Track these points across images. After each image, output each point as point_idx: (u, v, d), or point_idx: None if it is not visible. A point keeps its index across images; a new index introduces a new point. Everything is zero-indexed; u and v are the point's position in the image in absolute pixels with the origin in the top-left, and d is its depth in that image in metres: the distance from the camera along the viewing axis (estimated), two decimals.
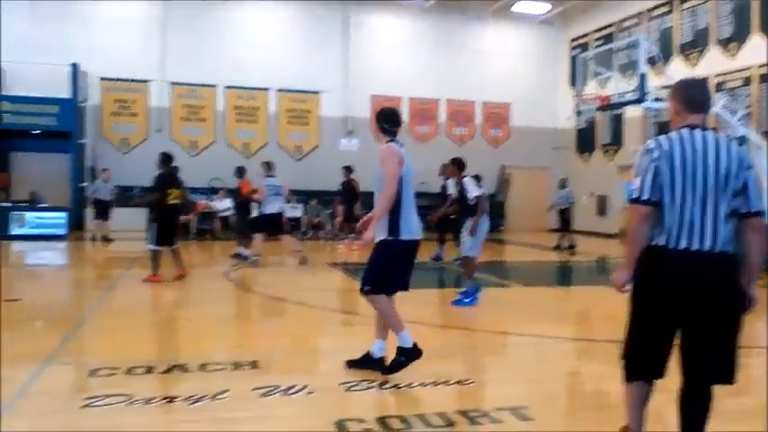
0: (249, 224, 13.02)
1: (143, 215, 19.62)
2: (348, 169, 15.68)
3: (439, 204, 12.87)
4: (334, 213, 19.50)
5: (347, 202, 15.57)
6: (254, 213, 13.16)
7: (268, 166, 12.15)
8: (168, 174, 9.78)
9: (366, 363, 4.92)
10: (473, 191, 8.26)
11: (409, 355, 4.79)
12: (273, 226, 12.02)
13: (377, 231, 4.77)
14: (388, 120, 4.99)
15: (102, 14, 20.70)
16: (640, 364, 3.28)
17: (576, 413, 4.42)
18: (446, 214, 10.77)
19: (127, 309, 7.91)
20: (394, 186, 4.70)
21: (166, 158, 9.84)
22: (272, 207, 11.90)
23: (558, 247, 16.40)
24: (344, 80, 22.64)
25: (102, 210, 16.79)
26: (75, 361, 5.39)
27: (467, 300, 8.05)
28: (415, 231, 4.89)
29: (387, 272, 4.82)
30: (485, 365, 5.67)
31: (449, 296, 8.61)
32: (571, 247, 16.37)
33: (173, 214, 9.95)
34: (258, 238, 12.00)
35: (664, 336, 3.18)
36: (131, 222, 19.13)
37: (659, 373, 3.24)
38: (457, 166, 8.75)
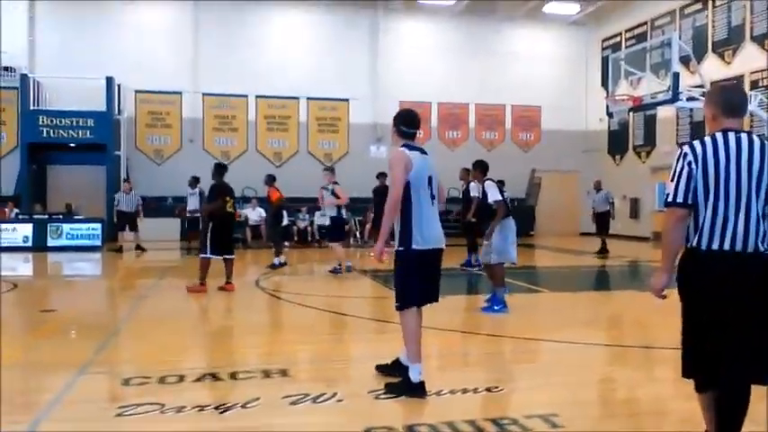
0: (281, 233, 13.09)
1: (174, 225, 20.05)
2: (383, 175, 15.61)
3: (463, 209, 12.80)
4: (364, 220, 19.57)
5: (379, 208, 15.59)
6: (284, 222, 13.22)
7: (333, 171, 12.08)
8: (225, 183, 9.75)
9: (395, 369, 4.86)
10: (493, 195, 8.17)
11: (411, 390, 4.49)
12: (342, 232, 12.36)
13: (397, 241, 4.65)
14: (405, 122, 4.73)
15: (135, 28, 21.14)
16: (694, 367, 3.24)
17: (606, 420, 4.34)
18: (469, 218, 10.63)
19: (159, 318, 8.02)
20: (397, 192, 4.49)
21: (221, 169, 9.82)
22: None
23: (600, 252, 15.92)
24: (373, 87, 22.72)
25: (126, 221, 16.85)
26: (108, 370, 5.47)
27: (497, 307, 7.98)
28: (431, 240, 4.61)
29: (407, 284, 4.60)
30: (514, 372, 5.61)
31: (477, 302, 8.55)
32: (603, 251, 15.95)
33: (230, 223, 9.91)
34: (338, 246, 12.02)
35: (711, 337, 3.15)
36: (163, 232, 19.50)
37: (714, 374, 3.17)
38: (480, 169, 8.70)
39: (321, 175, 12.34)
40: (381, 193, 15.35)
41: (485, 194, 8.33)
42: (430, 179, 4.63)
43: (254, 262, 14.73)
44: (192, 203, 16.75)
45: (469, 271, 12.39)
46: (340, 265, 11.76)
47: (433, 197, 4.66)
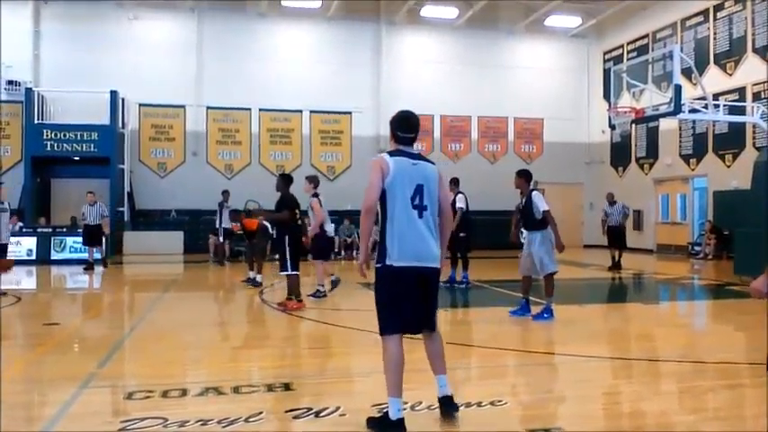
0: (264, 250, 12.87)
1: (177, 238, 20.09)
2: None
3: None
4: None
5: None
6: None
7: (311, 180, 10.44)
8: (292, 195, 9.37)
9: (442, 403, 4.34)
10: (542, 205, 8.20)
11: (387, 427, 3.99)
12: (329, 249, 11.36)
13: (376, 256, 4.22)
14: (400, 125, 4.32)
15: (139, 42, 21.29)
16: None
17: None
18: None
19: (162, 331, 8.01)
20: (367, 199, 4.08)
21: (288, 180, 9.49)
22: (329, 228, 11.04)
23: (614, 267, 15.49)
24: (376, 99, 22.81)
25: (91, 235, 15.32)
26: (112, 384, 5.47)
27: (546, 315, 8.14)
28: (410, 256, 4.07)
29: (385, 306, 4.12)
30: (518, 386, 5.59)
31: (476, 315, 8.51)
32: (616, 265, 15.55)
33: (300, 236, 9.48)
34: (320, 264, 10.58)
35: None
36: (166, 245, 19.54)
37: None
38: (525, 178, 8.52)
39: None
40: None
41: (530, 205, 8.29)
42: (420, 188, 4.15)
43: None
44: (227, 217, 16.65)
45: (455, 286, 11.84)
46: (322, 286, 10.31)
47: (421, 208, 4.13)
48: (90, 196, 15.54)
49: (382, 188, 4.09)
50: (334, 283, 11.00)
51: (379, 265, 4.14)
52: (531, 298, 8.51)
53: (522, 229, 8.84)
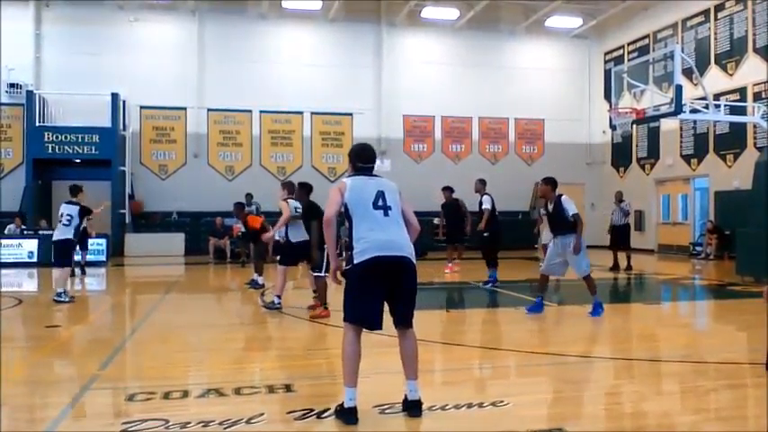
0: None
1: (178, 240, 20.12)
2: (449, 189, 15.45)
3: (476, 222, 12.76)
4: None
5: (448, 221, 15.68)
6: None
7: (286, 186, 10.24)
8: (315, 203, 9.19)
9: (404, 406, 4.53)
10: (571, 209, 8.49)
11: (339, 415, 4.32)
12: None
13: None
14: (358, 157, 4.70)
15: (140, 45, 21.33)
16: None
17: None
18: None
19: (164, 333, 8.02)
20: (325, 213, 4.46)
21: (309, 189, 9.50)
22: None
23: (616, 267, 15.35)
24: (377, 101, 22.83)
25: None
26: (113, 385, 5.47)
27: (600, 309, 8.56)
28: (375, 249, 4.32)
29: (348, 299, 4.41)
30: (519, 386, 5.59)
31: (476, 316, 8.51)
32: (627, 267, 15.43)
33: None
34: (281, 271, 9.69)
35: None
36: (167, 247, 19.56)
37: None
38: (551, 185, 8.83)
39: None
40: (448, 206, 15.29)
41: (560, 208, 8.57)
42: (381, 193, 4.46)
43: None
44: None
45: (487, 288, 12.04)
46: (279, 297, 9.34)
47: (385, 208, 4.45)
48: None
49: (343, 203, 4.45)
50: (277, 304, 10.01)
51: (348, 267, 4.44)
52: (544, 297, 8.83)
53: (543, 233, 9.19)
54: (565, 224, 8.53)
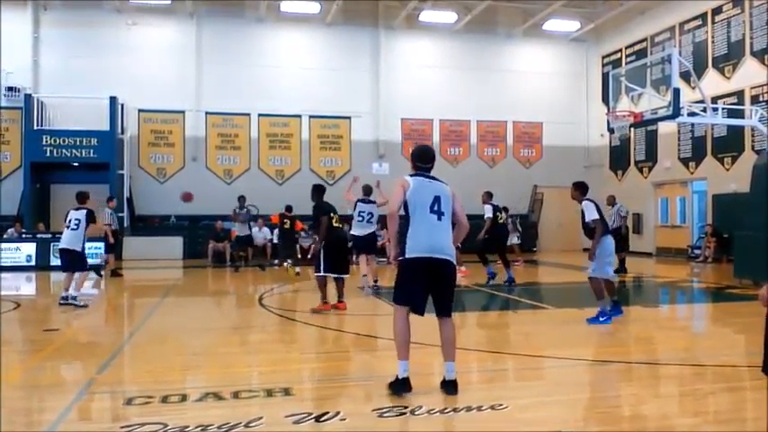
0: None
1: (176, 243, 20.11)
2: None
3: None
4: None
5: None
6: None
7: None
8: (324, 202, 9.46)
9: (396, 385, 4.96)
10: (591, 215, 8.27)
11: (391, 386, 4.90)
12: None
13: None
14: (419, 158, 5.30)
15: (138, 48, 21.34)
16: None
17: None
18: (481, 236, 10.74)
19: (162, 337, 8.00)
20: (390, 207, 5.11)
21: (322, 190, 9.59)
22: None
23: (623, 271, 15.18)
24: (375, 104, 22.85)
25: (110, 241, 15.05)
26: (111, 389, 5.46)
27: (601, 318, 8.22)
28: (424, 249, 4.98)
29: (398, 286, 5.11)
30: (518, 389, 5.58)
31: (477, 319, 8.50)
32: (620, 269, 15.31)
33: (343, 240, 9.66)
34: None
35: None
36: (165, 250, 19.53)
37: None
38: (580, 189, 8.63)
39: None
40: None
41: (582, 214, 8.39)
42: (438, 198, 5.07)
43: (258, 280, 14.73)
44: (242, 223, 16.76)
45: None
46: (375, 281, 12.01)
47: (439, 213, 5.05)
48: (112, 203, 15.77)
49: (404, 200, 5.04)
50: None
51: (401, 258, 5.12)
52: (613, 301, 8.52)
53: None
54: (588, 230, 8.40)
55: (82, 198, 10.67)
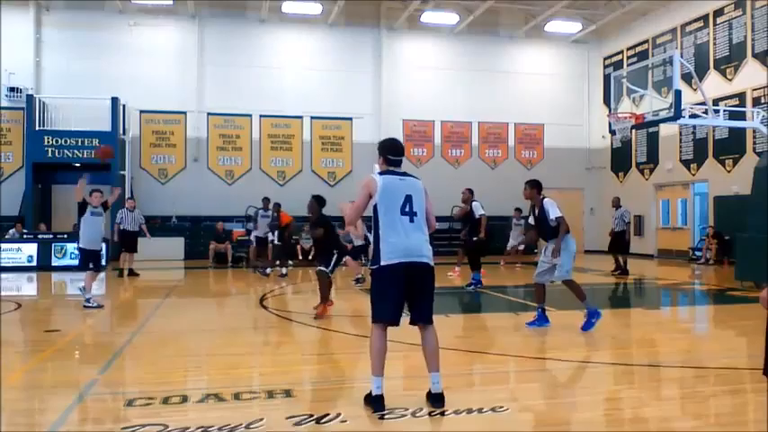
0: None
1: (178, 244, 20.13)
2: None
3: (470, 228, 12.79)
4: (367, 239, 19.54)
5: None
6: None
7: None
8: (325, 216, 9.69)
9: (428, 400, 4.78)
10: (554, 212, 8.11)
11: (367, 402, 4.66)
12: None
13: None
14: (389, 150, 4.94)
15: (140, 49, 21.35)
16: None
17: None
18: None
19: (163, 338, 8.00)
20: (349, 216, 4.94)
21: (323, 202, 9.71)
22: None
23: (625, 272, 15.43)
24: (377, 105, 22.85)
25: (128, 241, 15.67)
26: (112, 390, 5.46)
27: (593, 320, 8.00)
28: (400, 254, 4.62)
29: (375, 300, 4.76)
30: (519, 391, 5.57)
31: (479, 321, 8.48)
32: (622, 271, 15.56)
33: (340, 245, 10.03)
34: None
35: None
36: (167, 251, 19.53)
37: None
38: (536, 188, 8.42)
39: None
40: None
41: (544, 212, 8.19)
42: (409, 197, 4.73)
43: (258, 280, 14.72)
44: (263, 225, 16.41)
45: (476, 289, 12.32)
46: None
47: (411, 214, 4.72)
48: (130, 202, 16.33)
49: (367, 204, 4.75)
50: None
51: (374, 267, 4.73)
52: (545, 307, 8.37)
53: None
54: (550, 229, 8.15)
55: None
